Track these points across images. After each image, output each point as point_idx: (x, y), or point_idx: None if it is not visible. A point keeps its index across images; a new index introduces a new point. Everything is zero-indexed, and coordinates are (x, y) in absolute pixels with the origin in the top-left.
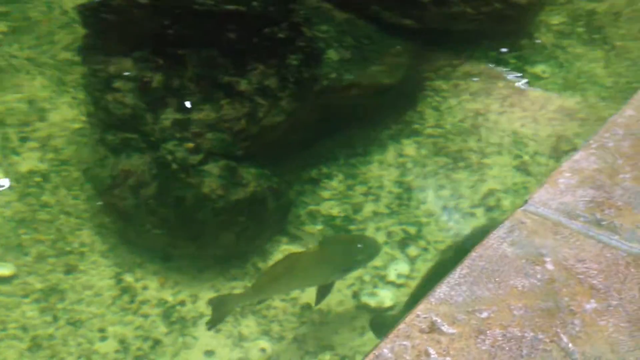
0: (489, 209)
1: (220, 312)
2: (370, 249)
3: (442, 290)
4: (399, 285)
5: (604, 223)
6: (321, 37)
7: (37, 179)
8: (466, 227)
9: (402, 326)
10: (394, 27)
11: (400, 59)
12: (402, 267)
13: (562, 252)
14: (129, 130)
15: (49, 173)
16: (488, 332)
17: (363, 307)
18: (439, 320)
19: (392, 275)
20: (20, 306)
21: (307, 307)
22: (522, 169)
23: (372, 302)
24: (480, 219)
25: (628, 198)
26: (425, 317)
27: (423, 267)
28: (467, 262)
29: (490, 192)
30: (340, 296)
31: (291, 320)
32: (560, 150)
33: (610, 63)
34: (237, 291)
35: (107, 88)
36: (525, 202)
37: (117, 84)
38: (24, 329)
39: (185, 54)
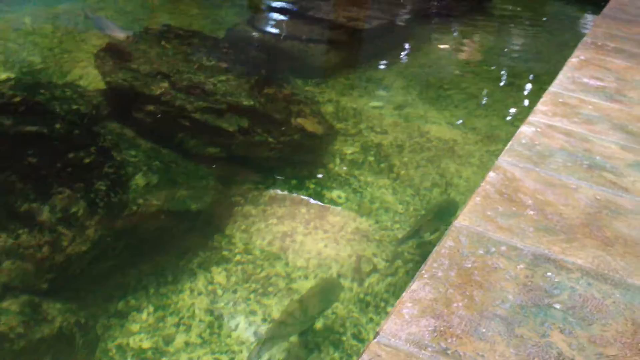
0: (302, 334)
1: None
2: None
3: None
4: None
5: (449, 352)
6: (129, 162)
7: None
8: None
9: None
10: (200, 155)
11: (208, 183)
12: None
13: None
14: None
15: None
16: None
17: None
18: None
19: None
20: None
21: None
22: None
23: None
24: (293, 346)
25: (465, 326)
26: None
27: None
28: None
29: None
30: None
31: None
32: (362, 271)
33: (396, 191)
34: None
35: None
36: (377, 334)
37: None
38: None
39: None
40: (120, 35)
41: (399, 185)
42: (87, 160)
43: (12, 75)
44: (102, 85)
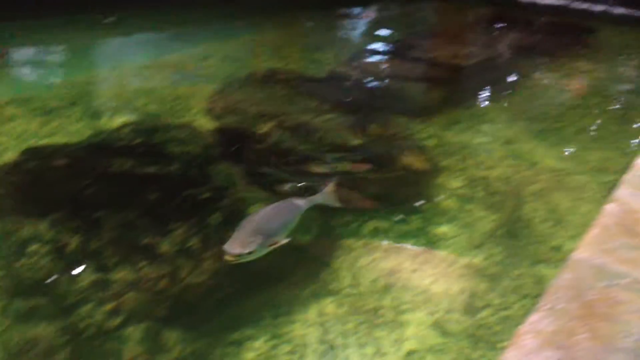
0: None
1: None
2: None
3: None
4: None
5: None
6: (240, 198)
7: None
8: None
9: None
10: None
11: (314, 217)
12: None
13: None
14: (39, 295)
15: None
16: None
17: None
18: None
19: None
20: None
21: None
22: (439, 327)
23: None
24: None
25: (589, 359)
26: None
27: None
28: None
29: (412, 352)
30: None
31: None
32: (474, 307)
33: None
34: None
35: (20, 253)
36: None
37: (31, 248)
38: None
39: (102, 216)
40: None
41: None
42: (201, 198)
43: (132, 120)
44: (212, 127)
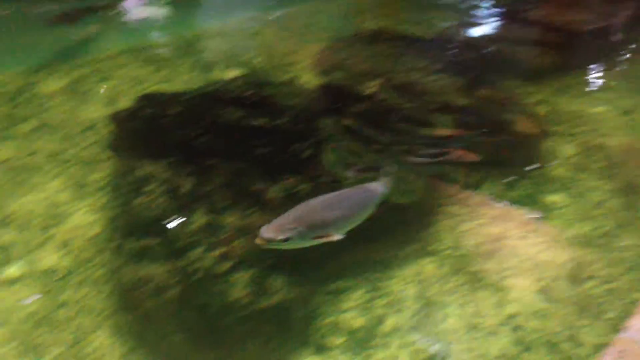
0: (514, 329)
1: None
2: None
3: None
4: None
5: None
6: (344, 154)
7: (57, 277)
8: (491, 346)
9: None
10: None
11: (419, 180)
12: None
13: None
14: (152, 235)
15: (68, 273)
16: None
17: None
18: None
19: None
20: None
21: None
22: (543, 293)
23: None
24: (503, 338)
25: None
26: None
27: None
28: None
29: (514, 315)
30: None
31: None
32: (580, 277)
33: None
34: None
35: (135, 191)
36: (623, 329)
37: (146, 187)
38: None
39: (214, 163)
40: None
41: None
42: (307, 151)
43: (242, 73)
44: (319, 83)
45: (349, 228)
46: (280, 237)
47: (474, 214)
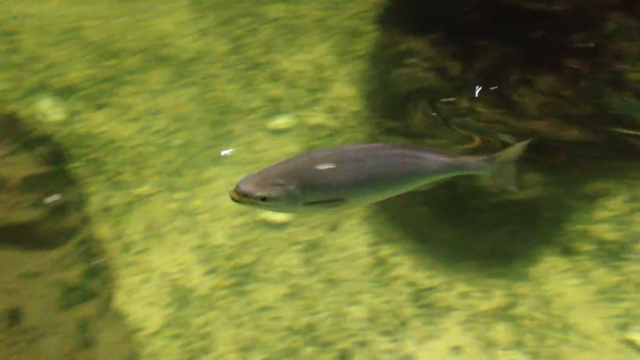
0: None
1: None
2: None
3: None
4: None
5: None
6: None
7: (325, 134)
8: None
9: None
10: None
11: None
12: None
13: None
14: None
15: (335, 132)
16: None
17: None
18: None
19: None
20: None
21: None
22: None
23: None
24: None
25: None
26: None
27: None
28: None
29: None
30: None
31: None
32: None
33: None
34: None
35: (397, 63)
36: None
37: (409, 60)
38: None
39: (482, 45)
40: None
41: None
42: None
43: None
44: None
45: (373, 198)
46: (258, 193)
47: None
